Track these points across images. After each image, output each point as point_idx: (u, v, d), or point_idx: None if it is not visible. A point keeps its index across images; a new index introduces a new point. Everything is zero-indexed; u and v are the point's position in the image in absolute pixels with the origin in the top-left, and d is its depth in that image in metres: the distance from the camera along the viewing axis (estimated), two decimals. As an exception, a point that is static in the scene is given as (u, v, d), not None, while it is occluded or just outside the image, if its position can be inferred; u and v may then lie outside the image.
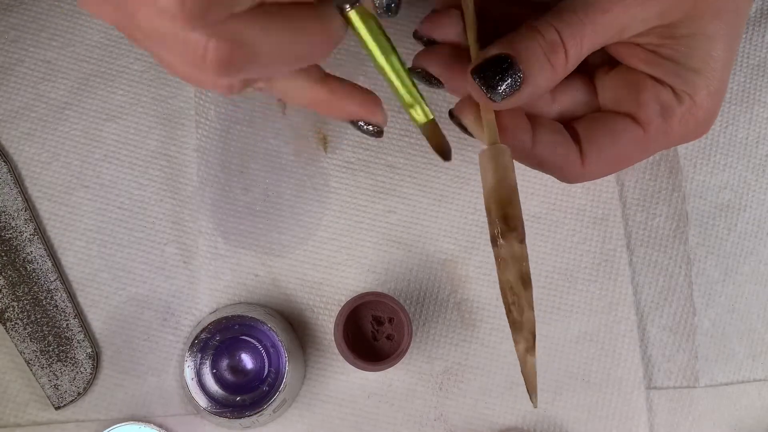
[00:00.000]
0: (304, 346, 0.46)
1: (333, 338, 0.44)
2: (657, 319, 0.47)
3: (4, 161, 0.46)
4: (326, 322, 0.46)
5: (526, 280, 0.34)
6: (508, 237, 0.34)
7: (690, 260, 0.47)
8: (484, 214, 0.34)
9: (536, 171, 0.47)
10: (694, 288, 0.47)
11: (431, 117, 0.34)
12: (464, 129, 0.38)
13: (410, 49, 0.39)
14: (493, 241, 0.34)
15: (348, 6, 0.30)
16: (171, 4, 0.25)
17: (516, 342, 0.34)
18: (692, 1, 0.35)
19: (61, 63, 0.47)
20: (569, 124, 0.39)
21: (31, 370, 0.45)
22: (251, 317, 0.43)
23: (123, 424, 0.45)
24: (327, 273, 0.47)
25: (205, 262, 0.46)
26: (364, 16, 0.30)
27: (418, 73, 0.38)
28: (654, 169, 0.48)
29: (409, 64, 0.36)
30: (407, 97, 0.33)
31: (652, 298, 0.47)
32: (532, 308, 0.34)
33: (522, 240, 0.34)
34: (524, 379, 0.34)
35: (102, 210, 0.47)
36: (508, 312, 0.34)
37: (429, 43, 0.38)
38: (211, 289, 0.46)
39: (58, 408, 0.45)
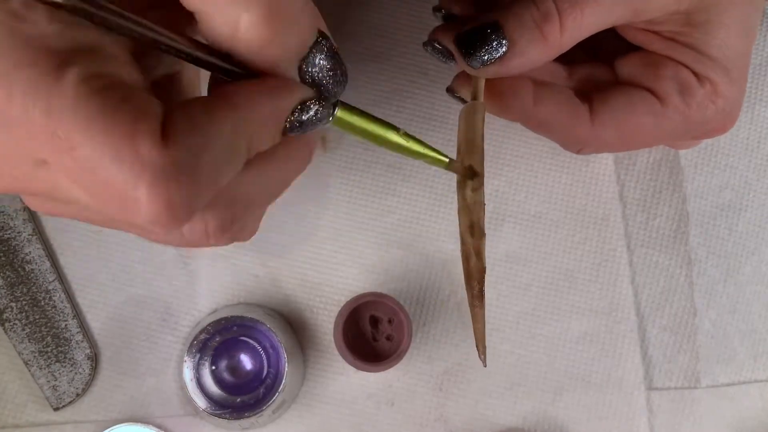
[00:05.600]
0: (303, 347, 0.46)
1: (333, 339, 0.44)
2: (657, 319, 0.47)
3: (2, 161, 0.46)
4: (326, 323, 0.46)
5: (476, 229, 0.34)
6: (464, 183, 0.34)
7: (691, 260, 0.47)
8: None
9: (536, 168, 0.47)
10: (695, 288, 0.47)
11: (447, 159, 0.33)
12: (462, 99, 0.38)
13: (427, 25, 0.39)
14: (457, 185, 0.35)
15: (334, 109, 0.28)
16: (156, 217, 0.23)
17: (468, 294, 0.34)
18: None
19: (59, 62, 0.47)
20: (585, 94, 0.38)
21: (30, 370, 0.45)
22: (250, 318, 0.43)
23: (122, 425, 0.45)
24: (327, 273, 0.47)
25: (204, 263, 0.46)
26: (349, 111, 0.29)
27: (434, 48, 0.37)
28: (654, 169, 0.47)
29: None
30: (428, 154, 0.32)
31: (653, 299, 0.47)
32: (480, 257, 0.34)
33: (476, 188, 0.34)
34: (474, 333, 0.34)
35: (101, 210, 0.46)
36: (464, 264, 0.34)
37: (448, 18, 0.38)
38: (211, 289, 0.46)
39: (56, 409, 0.45)
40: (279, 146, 0.27)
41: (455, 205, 0.47)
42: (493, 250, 0.47)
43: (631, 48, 0.38)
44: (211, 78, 0.28)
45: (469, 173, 0.34)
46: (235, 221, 0.26)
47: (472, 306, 0.34)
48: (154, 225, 0.23)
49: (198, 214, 0.25)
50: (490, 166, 0.47)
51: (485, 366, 0.34)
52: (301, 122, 0.27)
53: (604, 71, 0.39)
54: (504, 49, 0.33)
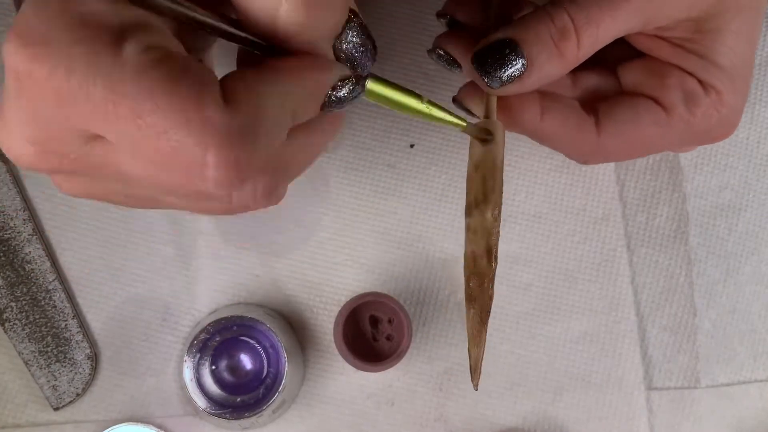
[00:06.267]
0: (303, 347, 0.46)
1: (333, 338, 0.44)
2: (657, 319, 0.47)
3: (2, 160, 0.46)
4: (326, 323, 0.46)
5: (491, 255, 0.33)
6: (482, 207, 0.34)
7: (690, 260, 0.47)
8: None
9: (536, 168, 0.47)
10: (695, 288, 0.47)
11: (465, 123, 0.34)
12: (469, 111, 0.37)
13: (431, 30, 0.39)
14: (468, 210, 0.34)
15: (365, 81, 0.30)
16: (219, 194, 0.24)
17: (468, 316, 0.34)
18: None
19: (59, 62, 0.47)
20: (590, 105, 0.38)
21: (30, 370, 0.45)
22: (250, 318, 0.43)
23: (122, 425, 0.45)
24: (327, 273, 0.47)
25: (204, 263, 0.46)
26: (379, 82, 0.31)
27: (438, 55, 0.37)
28: (654, 169, 0.47)
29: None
30: (449, 120, 0.33)
31: (653, 299, 0.47)
32: (491, 284, 0.34)
33: (496, 213, 0.34)
34: (470, 357, 0.34)
35: (101, 210, 0.46)
36: (467, 284, 0.34)
37: (452, 24, 0.38)
38: (210, 289, 0.46)
39: (56, 409, 0.45)
40: (315, 118, 0.28)
41: (455, 206, 0.47)
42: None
43: (635, 53, 0.38)
44: (239, 57, 0.29)
45: (484, 135, 0.34)
46: (278, 186, 0.27)
47: (477, 330, 0.33)
48: (220, 187, 0.24)
49: (250, 179, 0.26)
50: (490, 166, 0.47)
51: (476, 390, 0.34)
52: (339, 99, 0.28)
53: (608, 79, 0.38)
54: (522, 69, 0.33)
